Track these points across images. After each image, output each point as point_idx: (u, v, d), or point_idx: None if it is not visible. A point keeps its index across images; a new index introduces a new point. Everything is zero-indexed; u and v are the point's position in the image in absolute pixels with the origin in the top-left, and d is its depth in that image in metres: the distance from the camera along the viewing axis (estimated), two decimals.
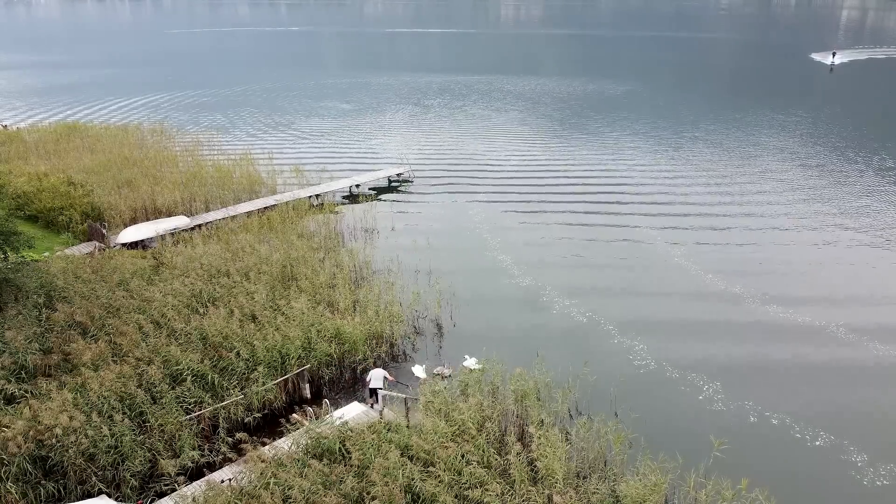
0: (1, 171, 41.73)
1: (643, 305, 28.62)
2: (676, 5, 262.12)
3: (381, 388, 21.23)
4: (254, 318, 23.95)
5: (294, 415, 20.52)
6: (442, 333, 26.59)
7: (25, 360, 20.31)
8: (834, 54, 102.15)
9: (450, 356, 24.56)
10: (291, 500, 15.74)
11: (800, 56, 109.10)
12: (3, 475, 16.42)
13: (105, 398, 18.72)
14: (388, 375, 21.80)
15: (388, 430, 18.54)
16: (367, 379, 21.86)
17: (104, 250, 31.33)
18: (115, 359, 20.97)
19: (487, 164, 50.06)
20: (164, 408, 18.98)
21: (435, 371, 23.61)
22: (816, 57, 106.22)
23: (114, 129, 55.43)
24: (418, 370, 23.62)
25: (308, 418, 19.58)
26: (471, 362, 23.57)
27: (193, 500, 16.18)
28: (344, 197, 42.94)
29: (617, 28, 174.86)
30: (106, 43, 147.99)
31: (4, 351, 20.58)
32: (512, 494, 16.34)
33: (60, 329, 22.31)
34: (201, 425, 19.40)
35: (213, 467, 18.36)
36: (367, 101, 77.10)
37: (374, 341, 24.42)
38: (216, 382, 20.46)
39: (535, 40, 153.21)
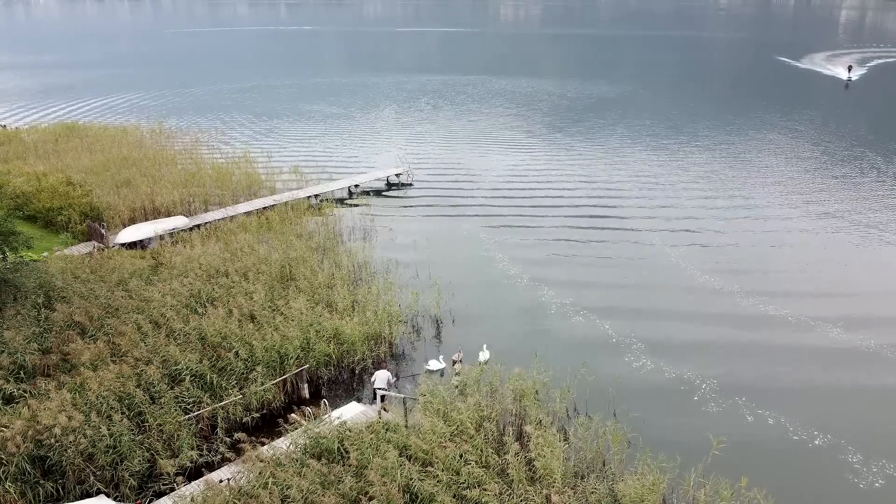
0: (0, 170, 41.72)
1: (641, 306, 28.65)
2: (675, 5, 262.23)
3: (382, 389, 21.25)
4: (252, 318, 23.95)
5: (293, 415, 20.51)
6: (441, 333, 26.62)
7: (24, 359, 20.27)
8: (850, 68, 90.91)
9: (451, 354, 24.57)
10: (290, 500, 15.75)
11: (796, 57, 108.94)
12: (1, 475, 16.42)
13: (104, 398, 18.72)
14: (390, 378, 21.83)
15: (387, 429, 18.55)
16: (372, 380, 21.90)
17: (103, 250, 31.33)
18: (113, 359, 20.95)
19: (486, 166, 50.07)
20: (162, 408, 18.98)
21: (453, 357, 23.92)
22: (801, 64, 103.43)
23: (112, 129, 55.37)
24: (434, 364, 23.89)
25: (306, 418, 19.59)
26: (483, 355, 23.90)
27: (192, 499, 16.19)
28: (343, 197, 42.97)
29: (616, 28, 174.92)
30: (105, 43, 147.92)
31: (3, 351, 20.55)
32: (510, 494, 16.36)
33: (59, 329, 22.27)
34: (200, 425, 19.41)
35: (211, 467, 18.37)
36: (366, 102, 77.13)
37: (372, 341, 24.46)
38: (215, 382, 20.46)
39: (534, 40, 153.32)
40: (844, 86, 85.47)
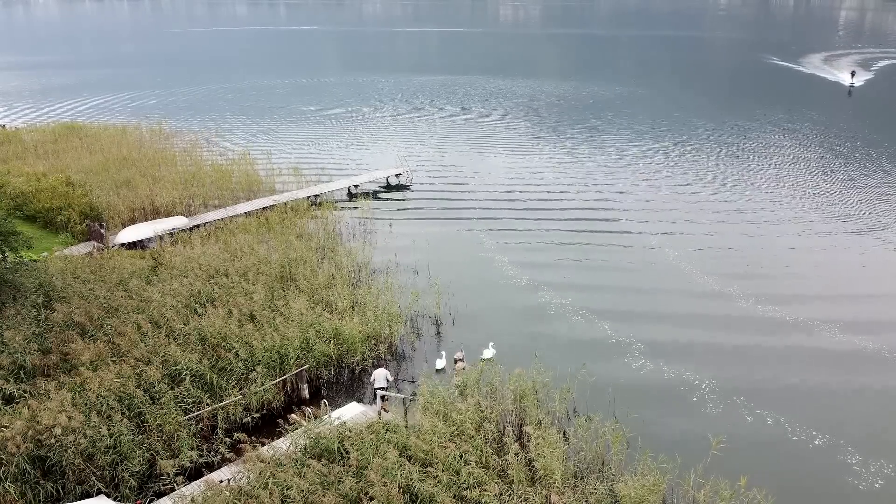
0: None
1: (641, 307, 28.67)
2: (674, 5, 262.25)
3: (382, 389, 21.31)
4: (252, 318, 23.95)
5: (293, 415, 20.52)
6: (441, 334, 26.63)
7: (24, 360, 20.29)
8: (853, 73, 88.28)
9: (452, 354, 24.58)
10: (290, 501, 15.76)
11: (791, 58, 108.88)
12: (2, 475, 16.42)
13: (104, 398, 18.73)
14: (388, 376, 21.86)
15: (387, 430, 18.56)
16: (371, 380, 21.95)
17: (103, 250, 31.33)
18: (113, 359, 20.97)
19: (486, 167, 50.08)
20: (162, 408, 18.99)
21: (455, 357, 24.00)
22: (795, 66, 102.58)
23: (112, 129, 55.40)
24: (439, 363, 24.02)
25: (306, 418, 19.60)
26: (487, 353, 24.08)
27: (192, 500, 16.20)
28: (342, 198, 42.96)
29: (616, 28, 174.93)
30: (104, 43, 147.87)
31: (3, 351, 20.57)
32: (510, 494, 16.37)
33: (59, 329, 22.29)
34: (200, 425, 19.42)
35: (211, 467, 18.39)
36: (366, 102, 77.14)
37: (372, 342, 24.48)
38: (215, 382, 20.47)
39: (534, 40, 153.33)
40: (847, 92, 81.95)
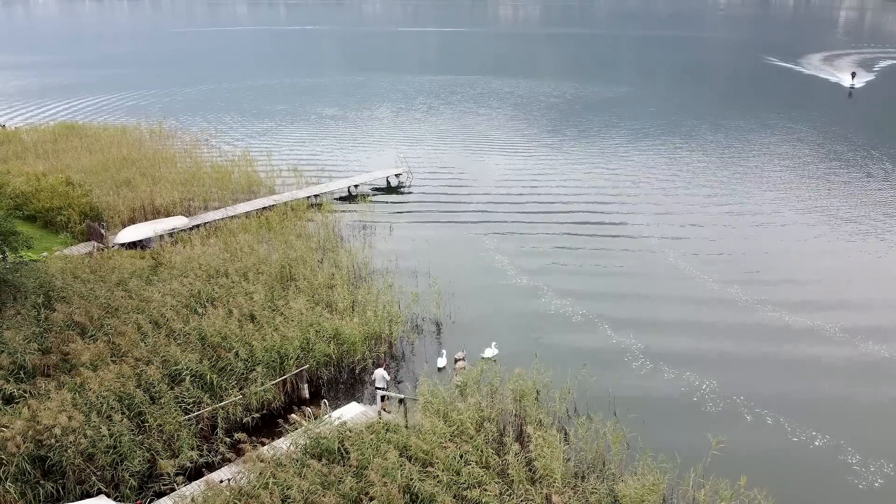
0: None
1: (640, 307, 28.67)
2: (674, 6, 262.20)
3: (382, 389, 21.33)
4: (252, 318, 23.96)
5: (293, 415, 20.51)
6: (441, 334, 26.63)
7: (24, 360, 20.30)
8: (854, 75, 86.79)
9: (452, 354, 24.59)
10: (290, 501, 15.76)
11: (791, 58, 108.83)
12: (2, 475, 16.43)
13: (104, 398, 18.74)
14: (386, 375, 21.88)
15: (387, 430, 18.57)
16: (371, 379, 21.95)
17: (103, 250, 31.33)
18: (113, 359, 20.98)
19: (486, 167, 50.09)
20: (162, 408, 19.00)
21: (455, 356, 24.06)
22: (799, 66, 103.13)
23: (112, 129, 55.39)
24: (441, 361, 24.13)
25: (306, 418, 19.59)
26: (489, 352, 24.14)
27: (192, 500, 16.20)
28: (342, 198, 42.96)
29: (615, 28, 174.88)
30: (104, 43, 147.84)
31: (3, 351, 20.58)
32: (510, 494, 16.38)
33: (59, 329, 22.30)
34: (200, 425, 19.42)
35: (211, 467, 18.39)
36: (365, 102, 77.12)
37: (372, 342, 24.48)
38: (215, 382, 20.47)
39: (533, 40, 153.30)
40: (848, 93, 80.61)
